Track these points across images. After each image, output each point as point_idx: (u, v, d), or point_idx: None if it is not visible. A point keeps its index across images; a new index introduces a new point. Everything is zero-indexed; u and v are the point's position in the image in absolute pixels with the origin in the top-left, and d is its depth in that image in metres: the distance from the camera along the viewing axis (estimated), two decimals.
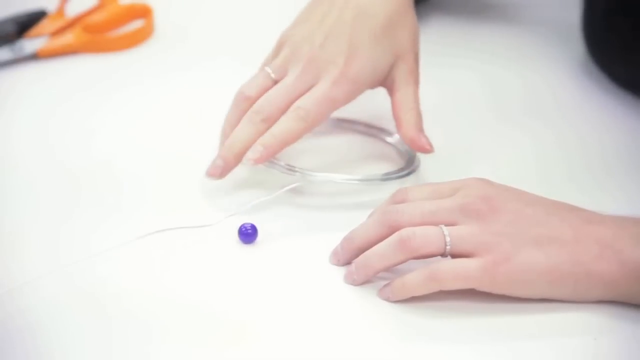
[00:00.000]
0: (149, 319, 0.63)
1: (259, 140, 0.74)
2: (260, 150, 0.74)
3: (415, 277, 0.64)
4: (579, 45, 0.98)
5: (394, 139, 0.83)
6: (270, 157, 0.74)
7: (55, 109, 0.88)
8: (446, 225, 0.65)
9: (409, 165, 0.78)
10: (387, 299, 0.65)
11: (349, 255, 0.68)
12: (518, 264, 0.63)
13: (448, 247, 0.64)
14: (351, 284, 0.67)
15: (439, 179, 0.70)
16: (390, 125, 0.84)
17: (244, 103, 0.77)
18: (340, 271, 0.68)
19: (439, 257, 0.65)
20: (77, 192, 0.76)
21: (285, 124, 0.75)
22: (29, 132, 0.84)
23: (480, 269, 0.63)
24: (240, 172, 0.78)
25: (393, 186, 0.72)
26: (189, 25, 1.05)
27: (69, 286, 0.66)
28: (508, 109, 0.91)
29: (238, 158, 0.74)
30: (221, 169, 0.75)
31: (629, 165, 0.83)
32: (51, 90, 0.92)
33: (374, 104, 0.91)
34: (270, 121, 0.75)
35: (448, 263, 0.64)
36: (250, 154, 0.74)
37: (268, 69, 0.77)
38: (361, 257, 0.67)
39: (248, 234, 0.70)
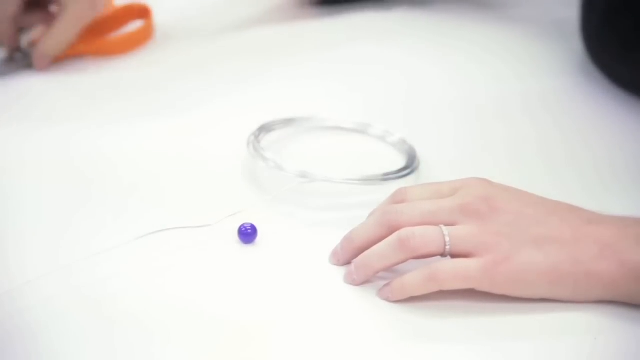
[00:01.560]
0: (148, 319, 0.63)
1: None
2: None
3: (415, 277, 0.64)
4: (578, 45, 0.98)
5: (394, 138, 0.83)
6: None
7: (55, 110, 0.88)
8: (446, 225, 0.65)
9: (409, 165, 0.78)
10: (387, 299, 0.65)
11: (349, 255, 0.68)
12: (518, 264, 0.63)
13: (448, 247, 0.64)
14: (351, 284, 0.67)
15: (439, 179, 0.70)
16: (390, 125, 0.84)
17: None
18: (340, 271, 0.68)
19: (439, 257, 0.65)
20: (77, 193, 0.76)
21: None
22: (29, 133, 0.84)
23: (479, 269, 0.63)
24: (239, 172, 0.78)
25: (393, 186, 0.72)
26: (190, 25, 1.05)
27: (69, 286, 0.65)
28: (507, 108, 0.91)
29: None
30: None
31: (628, 166, 0.83)
32: (51, 91, 0.92)
33: (372, 104, 0.91)
34: None
35: (448, 263, 0.64)
36: None
37: None
38: (361, 257, 0.67)
39: (248, 234, 0.70)
